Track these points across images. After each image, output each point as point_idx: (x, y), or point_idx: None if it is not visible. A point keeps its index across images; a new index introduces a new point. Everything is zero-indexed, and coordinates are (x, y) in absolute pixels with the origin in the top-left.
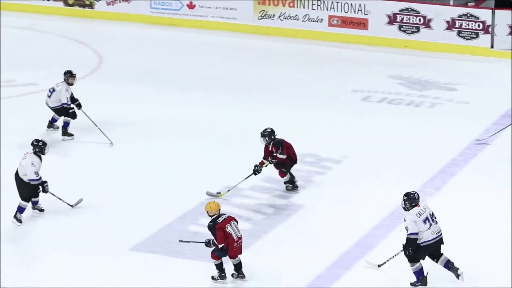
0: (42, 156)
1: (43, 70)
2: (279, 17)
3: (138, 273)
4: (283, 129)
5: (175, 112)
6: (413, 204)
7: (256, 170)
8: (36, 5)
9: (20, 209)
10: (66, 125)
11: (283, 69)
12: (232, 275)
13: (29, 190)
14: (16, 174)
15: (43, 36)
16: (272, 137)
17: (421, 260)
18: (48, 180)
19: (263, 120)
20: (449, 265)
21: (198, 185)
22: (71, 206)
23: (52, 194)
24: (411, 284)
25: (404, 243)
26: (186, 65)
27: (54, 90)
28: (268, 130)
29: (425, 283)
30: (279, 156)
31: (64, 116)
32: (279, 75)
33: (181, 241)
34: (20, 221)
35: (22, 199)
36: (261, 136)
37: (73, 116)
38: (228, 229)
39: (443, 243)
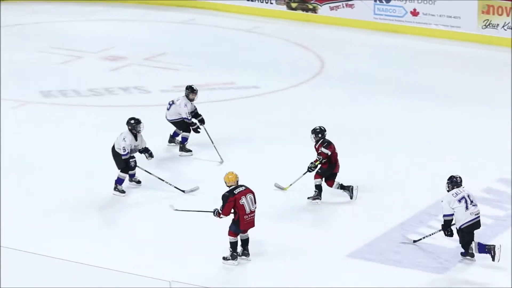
0: (138, 134)
1: (265, 73)
2: (503, 26)
3: (353, 280)
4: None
5: (392, 119)
6: (455, 186)
7: (310, 168)
8: (259, 8)
9: (119, 181)
10: (184, 140)
11: (507, 80)
12: (241, 253)
13: (126, 162)
14: (113, 147)
15: (265, 39)
16: (320, 136)
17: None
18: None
19: (476, 130)
20: (482, 247)
21: (417, 193)
22: (183, 191)
23: (147, 171)
24: (461, 254)
25: (442, 226)
26: (406, 73)
27: (173, 103)
28: (318, 128)
29: (472, 255)
30: (323, 150)
31: (183, 131)
32: (502, 87)
33: (176, 209)
34: (123, 191)
35: (121, 171)
36: (311, 133)
37: (196, 130)
38: (242, 201)
39: (479, 227)
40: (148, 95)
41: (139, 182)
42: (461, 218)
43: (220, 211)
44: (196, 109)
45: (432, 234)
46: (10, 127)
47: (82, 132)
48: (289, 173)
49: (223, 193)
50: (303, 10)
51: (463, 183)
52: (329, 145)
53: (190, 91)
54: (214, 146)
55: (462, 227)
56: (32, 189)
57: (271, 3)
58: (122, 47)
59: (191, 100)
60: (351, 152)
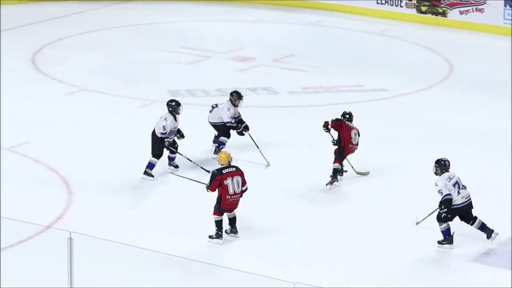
0: (177, 116)
1: (393, 76)
2: None
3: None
4: None
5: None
6: (443, 170)
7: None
8: (388, 11)
9: (150, 165)
10: (220, 144)
11: None
12: (226, 231)
13: (162, 148)
14: (153, 132)
15: (394, 42)
16: (343, 117)
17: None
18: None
19: None
20: (484, 228)
21: None
22: (207, 171)
23: (180, 154)
24: (438, 242)
25: (440, 203)
26: None
27: (216, 107)
28: (345, 111)
29: (451, 242)
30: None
31: (222, 135)
32: None
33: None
34: (151, 175)
35: (153, 156)
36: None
37: (240, 133)
38: (227, 181)
39: (472, 207)
40: (276, 96)
41: (177, 166)
42: (456, 200)
43: (208, 186)
44: (240, 115)
45: (431, 214)
46: (138, 125)
47: (208, 131)
48: (420, 174)
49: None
50: (432, 13)
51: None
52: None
53: (237, 97)
54: (259, 150)
55: (454, 207)
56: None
57: (401, 7)
58: (250, 48)
59: (236, 106)
60: (484, 156)
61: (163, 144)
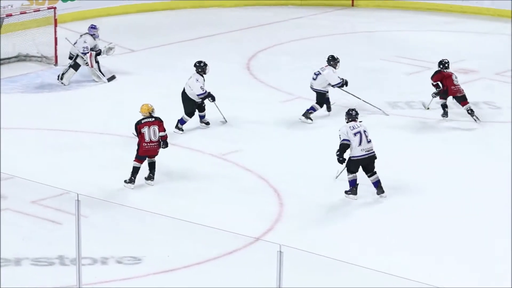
0: (204, 75)
1: None
2: None
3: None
4: None
5: None
6: (350, 119)
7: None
8: None
9: (182, 121)
10: (311, 109)
11: None
12: (145, 177)
13: (193, 106)
14: (182, 93)
15: None
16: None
17: (356, 173)
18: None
19: None
20: (377, 185)
21: None
22: (224, 121)
23: (216, 106)
24: (345, 192)
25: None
26: None
27: (320, 74)
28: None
29: (355, 193)
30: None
31: (317, 103)
32: None
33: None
34: (181, 129)
35: (186, 114)
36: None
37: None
38: (144, 129)
39: (375, 158)
40: (498, 111)
41: (208, 123)
42: (353, 151)
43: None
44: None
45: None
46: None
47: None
48: None
49: None
50: None
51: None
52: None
53: (338, 61)
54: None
55: (352, 158)
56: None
57: None
58: (472, 60)
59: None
60: None
61: (195, 103)
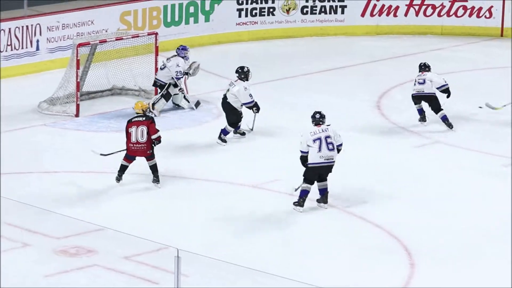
0: (247, 81)
1: None
2: None
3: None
4: None
5: None
6: (314, 123)
7: None
8: None
9: (225, 132)
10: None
11: None
12: (152, 180)
13: (239, 116)
14: (224, 102)
15: None
16: None
17: (311, 184)
18: None
19: None
20: (323, 193)
21: None
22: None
23: (255, 115)
24: (293, 203)
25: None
26: None
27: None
28: None
29: (301, 205)
30: None
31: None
32: None
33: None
34: (225, 141)
35: (230, 125)
36: None
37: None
38: (131, 129)
39: (330, 171)
40: None
41: (243, 134)
42: (311, 158)
43: None
44: None
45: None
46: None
47: None
48: None
49: None
50: None
51: (326, 122)
52: None
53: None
54: None
55: (309, 165)
56: None
57: None
58: None
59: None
60: None
61: (238, 112)
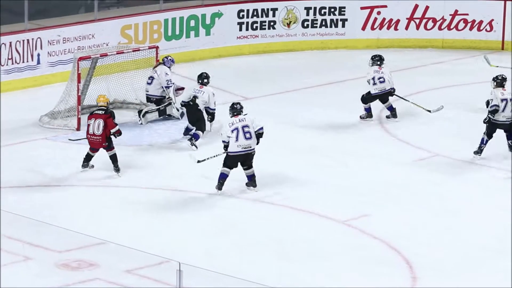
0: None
1: None
2: None
3: None
4: None
5: None
6: (233, 113)
7: None
8: None
9: (197, 136)
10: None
11: None
12: (113, 170)
13: (205, 121)
14: (194, 109)
15: None
16: None
17: (230, 169)
18: None
19: None
20: (250, 178)
21: None
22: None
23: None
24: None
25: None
26: None
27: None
28: None
29: (219, 188)
30: None
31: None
32: None
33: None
34: (196, 146)
35: (199, 129)
36: None
37: None
38: (90, 121)
39: (251, 159)
40: None
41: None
42: (230, 147)
43: None
44: None
45: (215, 156)
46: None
47: None
48: None
49: None
50: None
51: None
52: None
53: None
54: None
55: (229, 154)
56: None
57: None
58: None
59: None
60: None
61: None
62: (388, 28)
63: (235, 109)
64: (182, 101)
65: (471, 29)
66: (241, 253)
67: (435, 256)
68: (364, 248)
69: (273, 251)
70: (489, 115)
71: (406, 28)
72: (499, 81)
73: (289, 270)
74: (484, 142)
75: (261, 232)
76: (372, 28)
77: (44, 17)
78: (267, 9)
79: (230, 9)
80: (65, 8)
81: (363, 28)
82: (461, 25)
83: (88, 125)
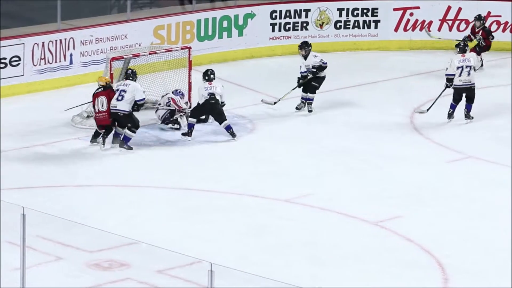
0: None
1: None
2: None
3: None
4: None
5: None
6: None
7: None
8: None
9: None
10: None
11: None
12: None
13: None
14: (215, 104)
15: None
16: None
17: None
18: None
19: None
20: (228, 130)
21: None
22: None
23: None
24: (182, 133)
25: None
26: None
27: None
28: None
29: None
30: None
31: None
32: None
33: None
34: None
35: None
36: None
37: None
38: (96, 101)
39: (217, 105)
40: None
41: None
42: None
43: None
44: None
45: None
46: None
47: None
48: None
49: None
50: None
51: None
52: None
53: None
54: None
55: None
56: None
57: None
58: None
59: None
60: None
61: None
62: (421, 29)
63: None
64: (198, 103)
65: (503, 30)
66: (273, 255)
67: (467, 259)
68: (396, 250)
69: (305, 253)
70: (447, 83)
71: (439, 29)
72: (461, 47)
73: (321, 272)
74: (452, 107)
75: (293, 233)
76: (405, 30)
77: (77, 17)
78: (300, 10)
79: (262, 10)
80: (98, 8)
81: (396, 30)
82: (494, 26)
83: (94, 105)
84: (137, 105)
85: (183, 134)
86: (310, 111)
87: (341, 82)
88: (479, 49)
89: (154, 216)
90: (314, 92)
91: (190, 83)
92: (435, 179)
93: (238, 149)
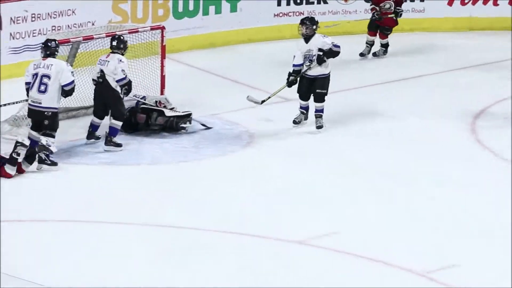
0: None
1: None
2: None
3: None
4: None
5: None
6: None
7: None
8: None
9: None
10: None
11: None
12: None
13: None
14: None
15: None
16: None
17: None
18: None
19: None
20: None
21: None
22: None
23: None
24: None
25: None
26: None
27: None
28: None
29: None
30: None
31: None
32: None
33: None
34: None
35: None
36: None
37: None
38: None
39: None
40: None
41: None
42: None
43: None
44: None
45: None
46: None
47: None
48: None
49: None
50: None
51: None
52: None
53: None
54: None
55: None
56: None
57: None
58: None
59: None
60: None
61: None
62: (485, 3)
63: (49, 47)
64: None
65: None
66: None
67: None
68: None
69: None
70: None
71: (510, 3)
72: None
73: None
74: None
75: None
76: (463, 3)
77: None
78: None
79: None
80: None
81: (450, 3)
82: None
83: None
84: (66, 92)
85: None
86: (319, 127)
87: (368, 78)
88: None
89: (120, 261)
90: (322, 100)
91: (163, 77)
92: (499, 211)
93: (231, 167)
